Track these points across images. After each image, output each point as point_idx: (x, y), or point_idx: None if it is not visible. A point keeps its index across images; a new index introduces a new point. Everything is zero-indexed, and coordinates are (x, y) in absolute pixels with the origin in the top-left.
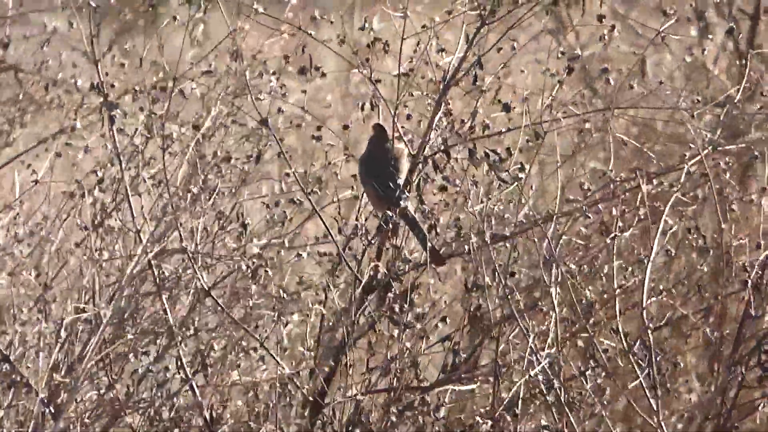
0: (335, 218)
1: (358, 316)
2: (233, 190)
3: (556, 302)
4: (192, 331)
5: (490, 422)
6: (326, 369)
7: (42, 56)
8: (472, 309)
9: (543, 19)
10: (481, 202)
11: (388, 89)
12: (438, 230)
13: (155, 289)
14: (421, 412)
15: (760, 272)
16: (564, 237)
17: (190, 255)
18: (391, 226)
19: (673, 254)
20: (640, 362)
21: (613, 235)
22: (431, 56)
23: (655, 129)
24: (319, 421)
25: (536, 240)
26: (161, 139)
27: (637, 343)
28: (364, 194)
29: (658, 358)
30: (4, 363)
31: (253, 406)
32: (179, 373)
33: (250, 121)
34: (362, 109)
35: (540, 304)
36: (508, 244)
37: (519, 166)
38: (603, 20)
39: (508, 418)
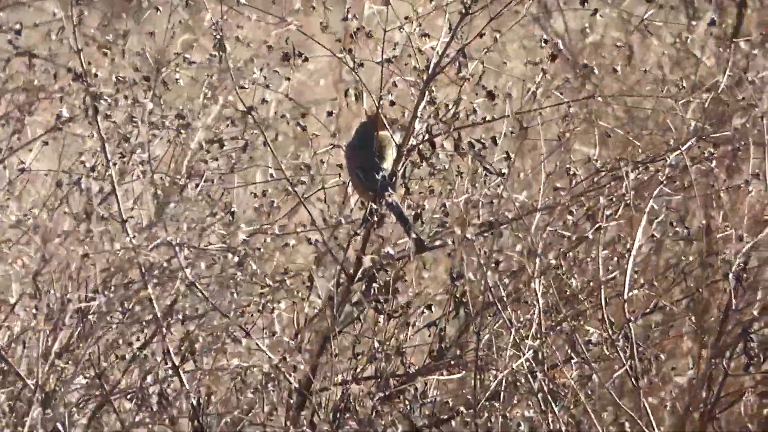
0: (321, 209)
1: (344, 305)
2: (221, 178)
3: (539, 293)
4: (178, 319)
5: (471, 411)
6: (313, 357)
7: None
8: (457, 296)
9: (527, 5)
10: (467, 191)
11: (376, 77)
12: (423, 220)
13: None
14: (407, 399)
15: (742, 264)
16: (549, 227)
17: (175, 245)
18: (376, 215)
19: (656, 244)
20: (624, 352)
21: (597, 224)
22: (415, 44)
23: (641, 116)
24: (306, 409)
25: (519, 233)
26: (147, 127)
27: (621, 333)
28: (350, 183)
29: (640, 349)
30: None
31: (241, 393)
32: (166, 362)
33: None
34: (346, 95)
35: (524, 294)
36: (493, 233)
37: (505, 155)
38: (586, 4)
39: (497, 405)
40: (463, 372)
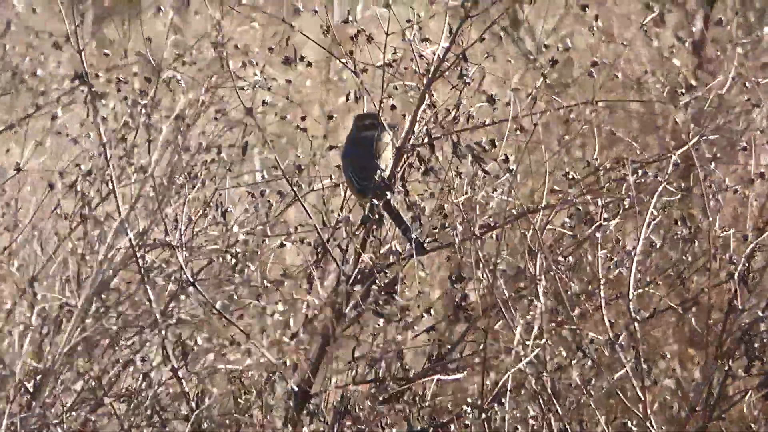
0: (317, 208)
1: (343, 307)
2: (217, 180)
3: (541, 293)
4: (175, 321)
5: (478, 412)
6: (312, 359)
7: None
8: (457, 300)
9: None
10: (466, 193)
11: (372, 79)
12: (422, 222)
13: (139, 278)
14: (406, 401)
15: (746, 264)
16: (548, 227)
17: (174, 246)
18: (374, 217)
19: (658, 245)
20: (624, 353)
21: (597, 224)
22: (415, 48)
23: (631, 119)
24: (306, 411)
25: (521, 232)
26: (145, 129)
27: (622, 335)
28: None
29: (641, 350)
30: None
31: (238, 394)
32: (165, 364)
33: (234, 111)
34: (347, 99)
35: (524, 295)
36: (493, 235)
37: (503, 157)
38: (587, 10)
39: (496, 407)
40: (464, 374)
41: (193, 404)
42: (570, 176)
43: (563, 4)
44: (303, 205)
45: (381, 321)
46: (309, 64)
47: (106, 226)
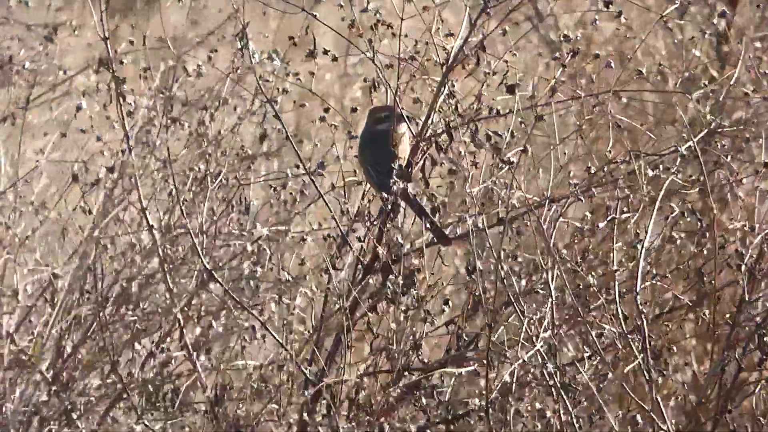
0: (337, 200)
1: (358, 297)
2: (239, 173)
3: (552, 286)
4: (195, 313)
5: (482, 405)
6: (327, 350)
7: None
8: (474, 292)
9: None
10: (483, 182)
11: (391, 70)
12: (441, 211)
13: (160, 270)
14: (422, 393)
15: (754, 256)
16: (563, 220)
17: (194, 237)
18: (391, 208)
19: (669, 237)
20: (636, 345)
21: (611, 217)
22: (434, 38)
23: (647, 110)
24: (321, 402)
25: (534, 224)
26: (168, 120)
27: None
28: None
29: (651, 343)
30: (9, 343)
31: (257, 386)
32: (184, 355)
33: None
34: (370, 92)
35: (536, 288)
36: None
37: (522, 148)
38: (610, 6)
39: (511, 401)
40: (476, 365)
41: (211, 396)
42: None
43: None
44: (324, 198)
45: (398, 311)
46: (335, 59)
47: (128, 218)
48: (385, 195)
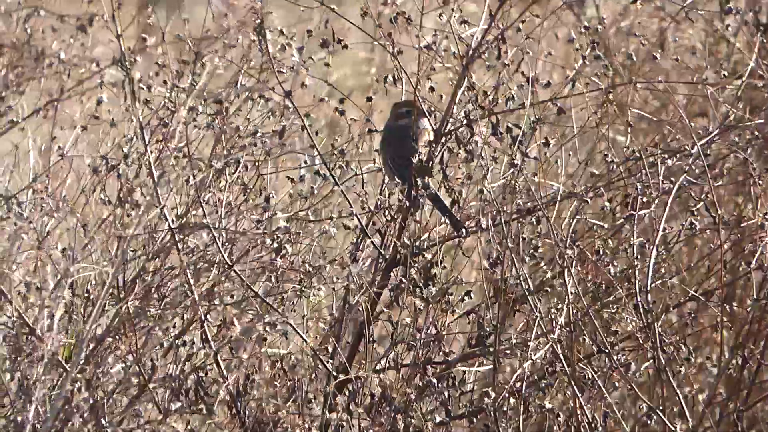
0: (358, 193)
1: (381, 290)
2: (258, 164)
3: (568, 282)
4: (216, 305)
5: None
6: (349, 343)
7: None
8: (497, 283)
9: None
10: (503, 176)
11: (412, 63)
12: (461, 204)
13: (179, 263)
14: (445, 386)
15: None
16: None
17: (213, 229)
18: (412, 201)
19: (695, 231)
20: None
21: (629, 212)
22: (454, 29)
23: (675, 102)
24: (344, 396)
25: (551, 218)
26: (186, 113)
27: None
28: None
29: (668, 339)
30: (31, 336)
31: (279, 380)
32: (204, 348)
33: (274, 95)
34: (385, 81)
35: (554, 282)
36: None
37: (544, 141)
38: None
39: (531, 393)
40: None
41: (233, 390)
42: (608, 159)
43: None
44: (342, 192)
45: (420, 303)
46: (345, 47)
47: (143, 206)
48: (405, 188)
